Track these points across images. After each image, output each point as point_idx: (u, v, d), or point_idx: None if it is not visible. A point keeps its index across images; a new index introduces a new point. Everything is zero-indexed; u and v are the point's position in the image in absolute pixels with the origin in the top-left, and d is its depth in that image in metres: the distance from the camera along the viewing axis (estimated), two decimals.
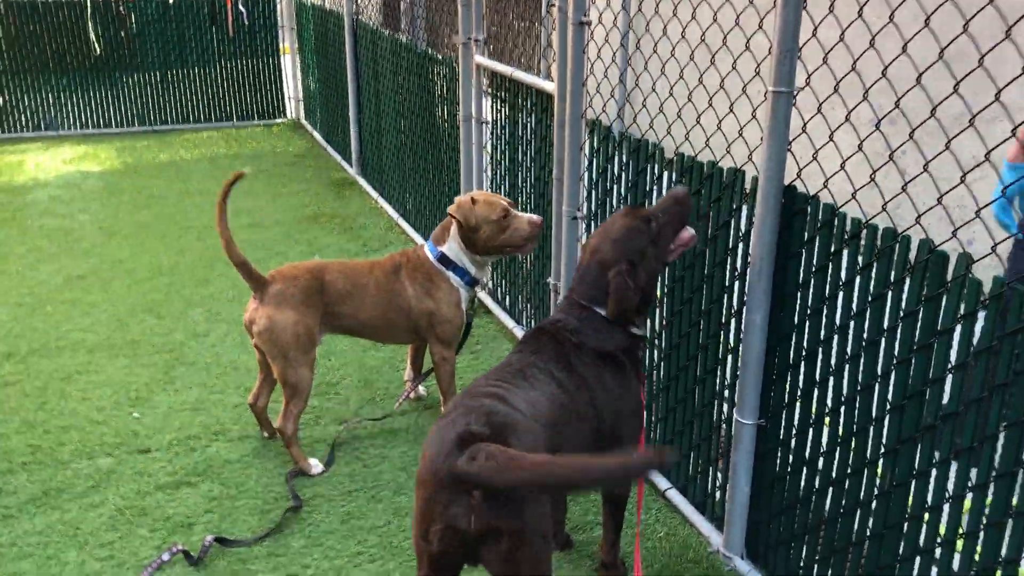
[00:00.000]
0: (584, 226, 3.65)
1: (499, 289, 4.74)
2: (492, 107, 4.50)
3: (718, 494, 2.94)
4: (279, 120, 9.39)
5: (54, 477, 3.29)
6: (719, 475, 2.93)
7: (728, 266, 2.73)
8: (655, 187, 3.09)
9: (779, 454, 2.63)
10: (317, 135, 8.62)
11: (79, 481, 3.27)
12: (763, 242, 2.46)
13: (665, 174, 3.02)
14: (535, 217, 3.48)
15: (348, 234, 6.00)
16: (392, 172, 6.36)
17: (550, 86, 3.67)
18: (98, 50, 8.70)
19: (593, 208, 3.55)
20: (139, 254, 5.60)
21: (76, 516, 3.07)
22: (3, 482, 3.26)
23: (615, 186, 3.34)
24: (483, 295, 4.86)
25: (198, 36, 9.00)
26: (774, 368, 2.58)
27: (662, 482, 3.21)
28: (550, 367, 2.35)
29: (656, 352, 3.19)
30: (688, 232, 2.51)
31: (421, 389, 3.90)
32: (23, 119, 8.68)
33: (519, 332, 4.42)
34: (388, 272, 3.48)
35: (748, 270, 2.53)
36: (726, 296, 2.76)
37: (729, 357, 2.79)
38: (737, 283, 2.69)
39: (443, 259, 3.48)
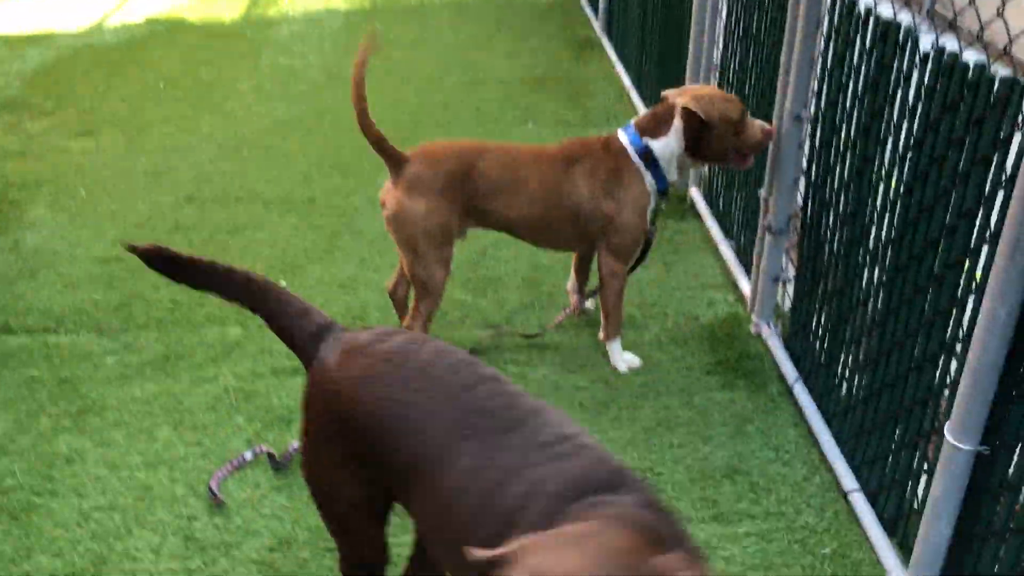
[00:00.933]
0: (808, 129, 2.80)
1: (713, 187, 3.96)
2: None
3: (915, 519, 2.17)
4: None
5: (180, 341, 3.13)
6: (919, 497, 2.16)
7: (976, 225, 1.87)
8: (902, 88, 2.20)
9: (1003, 495, 1.82)
10: None
11: (201, 350, 3.08)
12: None
13: (915, 72, 2.13)
14: (767, 125, 2.88)
15: (572, 102, 5.38)
16: (633, 32, 5.57)
17: None
18: None
19: (821, 108, 2.68)
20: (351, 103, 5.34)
21: (184, 388, 2.89)
22: (134, 337, 3.15)
23: (850, 81, 2.47)
24: (695, 193, 4.12)
25: None
26: (1013, 381, 1.75)
27: (847, 480, 2.47)
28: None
29: (870, 315, 2.39)
30: None
31: (588, 302, 3.33)
32: None
33: (725, 248, 3.67)
34: (558, 164, 2.88)
35: (1000, 239, 1.67)
36: (964, 269, 1.91)
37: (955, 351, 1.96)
38: (984, 249, 1.84)
39: (645, 154, 2.84)
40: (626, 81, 5.57)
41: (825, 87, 2.64)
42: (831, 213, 2.65)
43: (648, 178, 2.86)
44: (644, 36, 5.22)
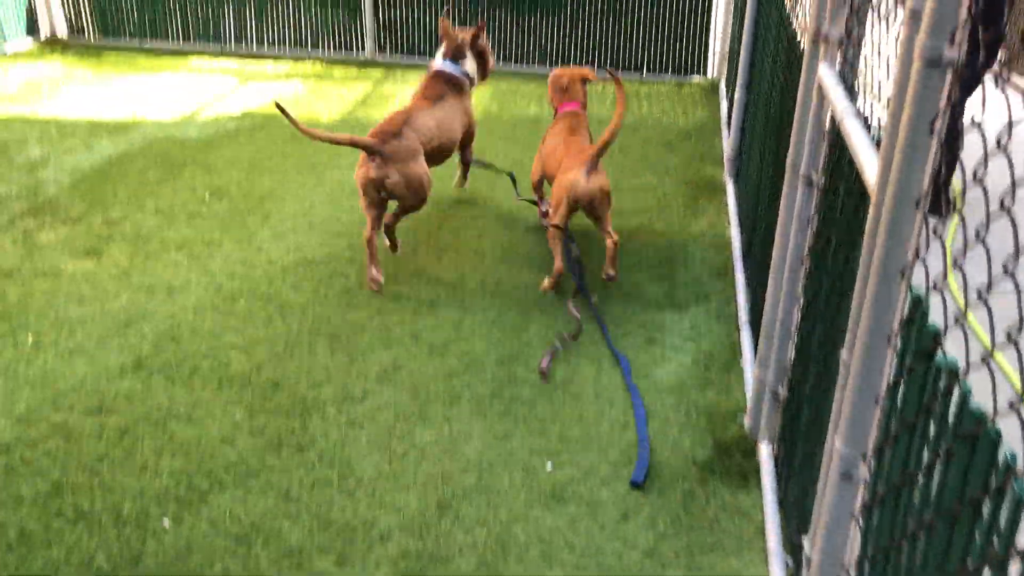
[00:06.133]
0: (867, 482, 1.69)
1: (788, 434, 2.81)
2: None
3: None
4: (695, 78, 7.72)
5: None
6: None
7: None
8: None
9: None
10: (725, 106, 6.85)
11: None
12: None
13: None
14: None
15: (659, 271, 4.34)
16: (752, 185, 4.50)
17: (872, 171, 1.71)
18: None
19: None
20: (282, 239, 4.55)
21: None
22: None
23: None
24: (763, 447, 2.97)
25: None
26: None
27: None
28: None
29: None
30: None
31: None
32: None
33: (778, 565, 2.53)
34: None
35: None
36: None
37: None
38: None
39: None
40: (736, 247, 4.48)
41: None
42: None
43: None
44: (760, 191, 4.14)
